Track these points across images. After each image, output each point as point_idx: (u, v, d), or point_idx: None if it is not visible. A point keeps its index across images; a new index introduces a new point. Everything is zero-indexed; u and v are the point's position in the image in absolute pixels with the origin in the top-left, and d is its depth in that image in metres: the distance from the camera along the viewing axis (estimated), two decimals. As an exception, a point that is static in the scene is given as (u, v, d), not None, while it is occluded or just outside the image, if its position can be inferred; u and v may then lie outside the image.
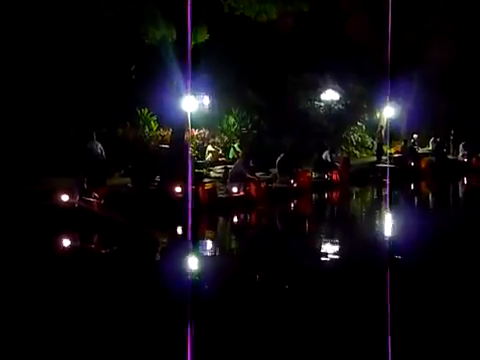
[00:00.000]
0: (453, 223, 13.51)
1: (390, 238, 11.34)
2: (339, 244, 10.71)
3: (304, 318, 6.15)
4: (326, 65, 26.94)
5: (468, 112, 36.24)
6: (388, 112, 30.48)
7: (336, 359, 5.15)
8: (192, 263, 9.10)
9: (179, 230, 12.44)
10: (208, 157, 21.64)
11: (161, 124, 21.19)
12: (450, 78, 36.24)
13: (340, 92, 28.80)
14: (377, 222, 13.98)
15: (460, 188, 25.08)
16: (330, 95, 28.02)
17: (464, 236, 11.53)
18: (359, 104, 30.98)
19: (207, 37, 18.49)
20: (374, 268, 8.23)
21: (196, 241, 10.92)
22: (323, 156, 21.95)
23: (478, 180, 26.64)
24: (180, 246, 10.59)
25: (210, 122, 23.53)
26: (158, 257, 10.13)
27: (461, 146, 31.90)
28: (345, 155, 27.03)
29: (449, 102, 36.02)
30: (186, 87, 16.18)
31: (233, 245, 11.85)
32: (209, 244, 11.32)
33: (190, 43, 16.74)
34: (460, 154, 31.85)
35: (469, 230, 12.26)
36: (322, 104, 28.77)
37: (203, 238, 11.67)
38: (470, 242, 10.89)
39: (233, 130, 23.86)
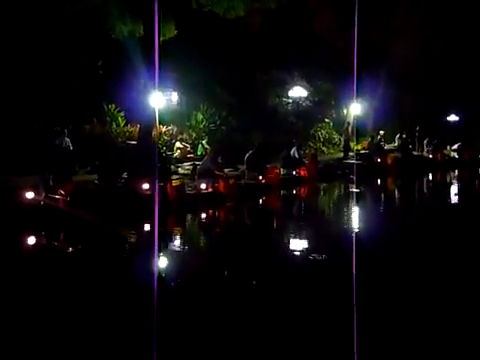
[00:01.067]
0: (417, 218, 13.79)
1: (356, 233, 11.48)
2: (307, 239, 10.81)
3: (269, 312, 6.19)
4: (294, 62, 27.13)
5: (433, 109, 36.93)
6: (355, 109, 30.85)
7: (298, 353, 5.19)
8: (160, 260, 9.06)
9: (147, 227, 12.38)
10: (176, 153, 21.54)
11: (129, 120, 21.00)
12: (415, 75, 36.85)
13: (308, 89, 29.01)
14: (344, 217, 14.14)
15: (425, 184, 25.53)
16: (298, 92, 28.20)
17: (427, 230, 11.78)
18: (326, 101, 31.28)
19: (175, 33, 18.38)
20: (341, 262, 8.32)
21: (164, 238, 10.86)
22: (291, 152, 22.07)
23: (442, 175, 27.21)
24: (148, 243, 10.53)
25: (178, 118, 23.42)
26: (125, 254, 10.05)
27: (426, 142, 32.49)
28: (313, 151, 27.26)
29: (414, 99, 36.64)
30: (154, 83, 16.06)
31: (201, 242, 11.84)
32: (177, 241, 11.28)
33: (157, 39, 16.67)
34: (425, 150, 32.45)
35: (432, 225, 12.53)
36: (290, 101, 28.96)
37: (171, 235, 11.61)
38: (433, 236, 11.14)
39: (201, 126, 23.82)
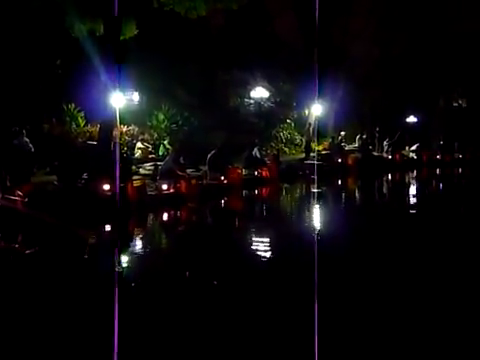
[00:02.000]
0: (376, 217, 14.02)
1: (316, 232, 11.59)
2: (268, 239, 10.85)
3: (229, 313, 6.19)
4: (256, 63, 27.25)
5: (392, 110, 37.62)
6: (316, 110, 31.16)
7: (256, 351, 5.21)
8: (121, 261, 8.96)
9: (108, 228, 12.23)
10: (138, 154, 21.35)
11: (89, 120, 20.72)
12: (374, 77, 37.47)
13: (269, 90, 29.18)
14: (305, 217, 14.26)
15: (384, 184, 25.97)
16: (260, 93, 28.34)
17: (385, 229, 12.00)
18: (288, 102, 31.53)
19: (136, 32, 18.21)
20: (301, 262, 8.39)
21: (125, 239, 10.76)
22: (253, 153, 22.17)
23: (401, 176, 27.75)
24: (109, 244, 10.41)
25: (139, 118, 23.23)
26: (86, 256, 9.89)
27: (385, 143, 33.08)
28: (275, 152, 27.42)
29: (374, 100, 37.27)
30: (114, 83, 15.89)
31: (163, 242, 11.76)
32: (138, 242, 11.18)
33: (118, 38, 16.49)
34: (384, 151, 33.04)
35: (390, 224, 12.78)
36: (252, 101, 29.07)
37: (132, 236, 11.51)
38: (392, 234, 11.37)
39: (163, 127, 23.68)
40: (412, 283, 7.46)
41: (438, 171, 30.97)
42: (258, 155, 22.40)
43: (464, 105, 45.30)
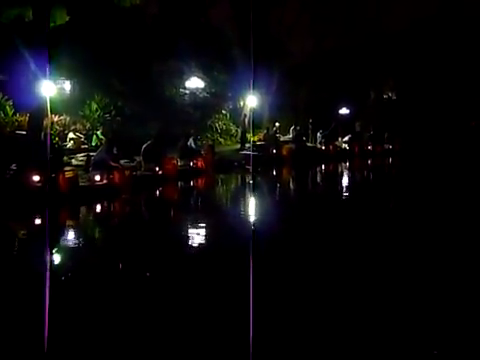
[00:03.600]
0: (310, 205, 14.34)
1: (251, 222, 11.72)
2: (204, 230, 10.87)
3: (161, 304, 6.19)
4: (191, 53, 27.10)
5: (325, 102, 38.41)
6: (251, 101, 31.37)
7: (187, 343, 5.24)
8: (51, 254, 8.75)
9: (38, 220, 11.92)
10: (69, 144, 20.88)
11: (17, 109, 20.01)
12: (308, 69, 38.11)
13: (205, 80, 29.14)
14: (240, 207, 14.37)
15: (318, 174, 26.51)
16: (195, 83, 28.25)
17: (317, 215, 12.31)
18: (223, 92, 31.58)
19: (67, 19, 17.73)
20: (235, 251, 8.47)
21: (56, 232, 10.51)
22: (188, 143, 22.12)
23: (334, 166, 28.42)
24: (39, 237, 10.14)
25: (71, 108, 22.67)
26: (14, 249, 9.61)
27: (319, 134, 33.76)
28: (210, 142, 27.46)
29: (308, 92, 37.92)
30: (44, 71, 15.42)
31: (95, 235, 11.56)
32: (70, 234, 10.94)
33: (48, 24, 15.99)
34: (318, 142, 33.74)
35: (323, 210, 13.12)
36: (187, 92, 28.95)
37: (63, 228, 11.25)
38: (322, 220, 11.71)
39: (96, 116, 23.21)
40: (336, 265, 7.71)
41: (369, 161, 31.93)
42: (193, 145, 22.36)
43: (394, 97, 46.83)
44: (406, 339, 5.23)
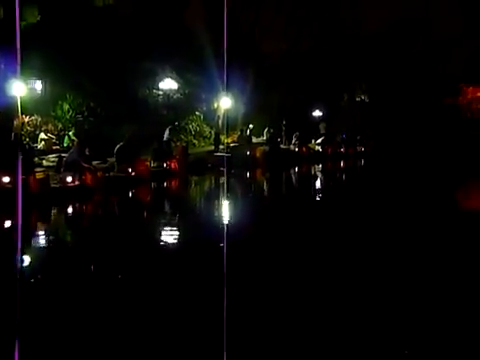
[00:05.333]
0: (282, 207, 14.40)
1: (224, 223, 11.71)
2: (177, 231, 10.82)
3: (134, 306, 6.14)
4: (164, 54, 26.96)
5: (299, 104, 38.62)
6: (225, 102, 31.35)
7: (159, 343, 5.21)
8: (22, 257, 8.61)
9: (7, 223, 11.71)
10: (41, 145, 20.58)
11: (-13, 109, 19.67)
12: (282, 72, 38.26)
13: (178, 81, 29.01)
14: (213, 209, 14.35)
15: (291, 176, 26.63)
16: (168, 84, 28.10)
17: (290, 215, 12.37)
18: (197, 94, 31.48)
19: (38, 18, 17.52)
20: (207, 252, 8.46)
21: (26, 233, 10.34)
22: (165, 135, 22.23)
23: (307, 168, 28.58)
24: (8, 239, 9.96)
25: (43, 108, 22.37)
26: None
27: (294, 136, 33.90)
28: (184, 144, 27.34)
29: (282, 95, 38.06)
30: (15, 70, 15.20)
31: (66, 237, 11.41)
32: (41, 237, 10.78)
33: (19, 23, 15.79)
34: (292, 143, 33.89)
35: (295, 211, 13.20)
36: (161, 93, 28.77)
37: (34, 230, 11.08)
38: (295, 220, 11.81)
39: (68, 117, 22.94)
40: (305, 260, 7.80)
41: (342, 163, 32.21)
42: (168, 135, 22.57)
43: (366, 100, 47.30)
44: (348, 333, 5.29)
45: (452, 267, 7.83)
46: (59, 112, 22.92)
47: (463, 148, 34.69)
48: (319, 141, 35.11)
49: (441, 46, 45.06)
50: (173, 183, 20.20)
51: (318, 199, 17.05)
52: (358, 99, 47.27)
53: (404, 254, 8.62)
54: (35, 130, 21.20)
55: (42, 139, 20.85)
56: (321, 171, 29.34)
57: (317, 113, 39.65)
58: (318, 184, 22.87)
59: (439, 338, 5.37)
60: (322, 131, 36.42)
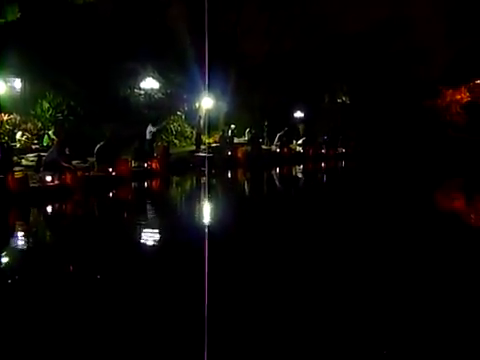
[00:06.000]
0: (263, 207, 14.43)
1: (204, 223, 11.69)
2: (157, 231, 10.77)
3: (113, 306, 6.10)
4: (146, 53, 26.83)
5: (281, 105, 38.74)
6: (207, 102, 31.36)
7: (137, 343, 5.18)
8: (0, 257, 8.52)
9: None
10: (19, 144, 20.35)
11: (-36, 108, 19.44)
12: (264, 72, 38.35)
13: (160, 81, 28.90)
14: (194, 209, 14.31)
15: (273, 176, 26.67)
16: (150, 83, 27.97)
17: (270, 218, 12.39)
18: (179, 94, 31.41)
19: (18, 15, 17.32)
20: (189, 251, 8.45)
21: (4, 233, 10.23)
22: (148, 130, 22.22)
23: (289, 169, 28.66)
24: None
25: (22, 107, 22.12)
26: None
27: (278, 137, 33.97)
28: (165, 144, 27.27)
29: (264, 95, 38.14)
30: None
31: (46, 237, 11.29)
32: (19, 237, 10.65)
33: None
34: (274, 144, 33.98)
35: (274, 212, 13.22)
36: (142, 92, 28.64)
37: (12, 230, 10.96)
38: (273, 220, 11.85)
39: (48, 116, 22.71)
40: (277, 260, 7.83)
41: (323, 164, 32.35)
42: (153, 129, 22.55)
43: (347, 102, 47.63)
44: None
45: (426, 265, 7.91)
46: (39, 111, 22.68)
47: (441, 150, 35.11)
48: (300, 142, 35.25)
49: (422, 48, 45.55)
50: (154, 183, 20.12)
51: (297, 199, 17.09)
52: (339, 100, 47.58)
53: (379, 252, 8.68)
54: (14, 129, 20.95)
55: (21, 138, 20.61)
56: (302, 172, 29.44)
57: (299, 114, 39.80)
58: (298, 184, 22.94)
59: (413, 336, 5.41)
60: (301, 132, 36.54)
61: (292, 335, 5.42)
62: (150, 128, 22.44)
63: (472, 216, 13.62)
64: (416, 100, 43.22)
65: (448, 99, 43.89)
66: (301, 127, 37.06)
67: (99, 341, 5.20)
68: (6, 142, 19.07)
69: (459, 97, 43.79)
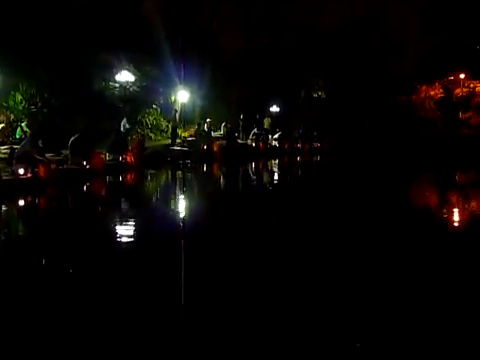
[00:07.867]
0: (238, 200, 14.51)
1: (178, 216, 11.73)
2: (131, 225, 10.76)
3: (85, 300, 6.10)
4: (121, 45, 26.67)
5: (256, 99, 38.84)
6: (182, 96, 31.31)
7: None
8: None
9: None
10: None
11: None
12: (240, 66, 38.40)
13: (135, 74, 28.74)
14: (167, 202, 14.32)
15: (248, 170, 26.77)
16: (125, 76, 27.81)
17: (245, 211, 12.47)
18: (154, 87, 31.28)
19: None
20: (166, 245, 8.47)
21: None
22: (122, 124, 22.12)
23: (264, 163, 28.80)
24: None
25: (-6, 99, 21.83)
26: None
27: (253, 131, 34.12)
28: (140, 137, 27.17)
29: (240, 88, 38.20)
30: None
31: (18, 231, 11.19)
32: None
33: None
34: (249, 138, 34.12)
35: (250, 206, 13.29)
36: (117, 85, 28.44)
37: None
38: (246, 212, 11.93)
39: (20, 108, 22.45)
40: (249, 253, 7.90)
41: (298, 158, 32.58)
42: (127, 126, 22.46)
43: (323, 97, 47.94)
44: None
45: (396, 261, 8.03)
46: (11, 103, 22.39)
47: (415, 145, 35.60)
48: (276, 136, 35.42)
49: (397, 44, 46.04)
50: (128, 176, 20.04)
51: (271, 193, 17.19)
52: (315, 95, 47.88)
53: (348, 246, 8.79)
54: (-14, 121, 20.70)
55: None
56: (278, 166, 29.60)
57: (275, 109, 39.93)
58: (272, 178, 23.05)
59: (383, 330, 5.51)
60: (265, 126, 36.44)
61: (266, 328, 5.48)
62: (125, 121, 22.36)
63: (442, 210, 13.86)
64: (391, 95, 43.72)
65: (422, 95, 44.51)
66: (267, 121, 36.98)
67: (68, 336, 5.20)
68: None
69: (433, 93, 44.43)
